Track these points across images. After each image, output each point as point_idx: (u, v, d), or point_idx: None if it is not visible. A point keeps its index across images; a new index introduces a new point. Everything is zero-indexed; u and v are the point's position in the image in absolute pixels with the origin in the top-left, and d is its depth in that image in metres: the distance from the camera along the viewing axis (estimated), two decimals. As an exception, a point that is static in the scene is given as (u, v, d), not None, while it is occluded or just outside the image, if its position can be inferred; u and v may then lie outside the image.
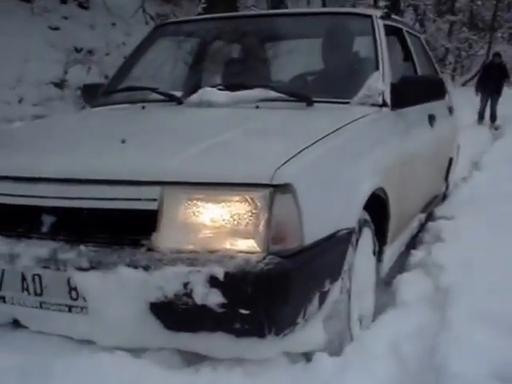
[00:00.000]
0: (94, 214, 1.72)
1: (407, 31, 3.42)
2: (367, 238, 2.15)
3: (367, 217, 2.13)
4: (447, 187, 4.28)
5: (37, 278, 1.72)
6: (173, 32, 3.30)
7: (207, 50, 3.32)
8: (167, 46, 3.30)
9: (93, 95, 3.13)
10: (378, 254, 2.36)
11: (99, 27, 12.68)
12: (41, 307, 1.75)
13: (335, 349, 1.85)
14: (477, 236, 2.93)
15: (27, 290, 1.74)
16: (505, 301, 2.06)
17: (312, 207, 1.67)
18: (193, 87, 2.73)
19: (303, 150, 1.78)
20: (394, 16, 3.27)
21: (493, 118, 11.13)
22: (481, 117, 11.26)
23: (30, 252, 1.73)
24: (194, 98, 2.60)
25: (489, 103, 11.07)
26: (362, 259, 2.07)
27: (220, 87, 2.62)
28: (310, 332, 1.76)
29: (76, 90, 9.71)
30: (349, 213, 1.89)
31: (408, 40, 3.32)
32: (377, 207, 2.23)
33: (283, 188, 1.59)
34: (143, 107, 2.68)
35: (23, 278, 1.74)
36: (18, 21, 10.12)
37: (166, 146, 1.89)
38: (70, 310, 1.71)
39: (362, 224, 2.05)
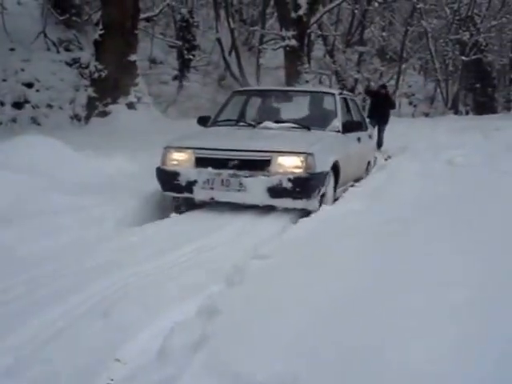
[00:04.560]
0: (250, 161, 5.36)
1: (349, 98, 7.26)
2: (331, 180, 5.86)
3: (331, 173, 5.83)
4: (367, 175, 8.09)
5: (227, 180, 5.34)
6: (242, 93, 7.03)
7: (262, 103, 7.10)
8: (240, 100, 7.01)
9: (204, 122, 6.78)
10: (335, 189, 6.07)
11: (-4, 53, 12.43)
12: (227, 191, 5.36)
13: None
14: (271, 280, 3.09)
15: (223, 185, 5.35)
16: (238, 354, 2.23)
17: (318, 161, 5.34)
18: (259, 120, 6.39)
19: (315, 143, 5.50)
20: (344, 92, 7.13)
21: (379, 144, 11.13)
22: None
23: (226, 172, 5.35)
24: (261, 125, 6.27)
25: (376, 131, 11.00)
26: (329, 186, 5.76)
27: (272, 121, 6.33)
28: (314, 202, 5.44)
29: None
30: (327, 166, 5.59)
31: (349, 101, 7.13)
32: (336, 170, 5.94)
33: (311, 154, 5.27)
34: (238, 128, 6.33)
35: (222, 181, 5.35)
36: None
37: (268, 140, 5.61)
38: (239, 191, 5.33)
39: (329, 175, 5.73)
